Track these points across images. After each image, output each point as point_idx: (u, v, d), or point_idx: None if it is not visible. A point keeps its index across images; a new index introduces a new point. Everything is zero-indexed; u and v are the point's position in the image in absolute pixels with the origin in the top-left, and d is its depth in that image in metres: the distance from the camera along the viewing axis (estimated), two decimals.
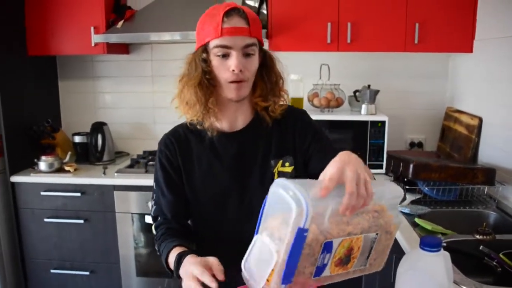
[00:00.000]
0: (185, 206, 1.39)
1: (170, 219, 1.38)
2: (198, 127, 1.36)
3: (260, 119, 1.37)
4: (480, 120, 2.51)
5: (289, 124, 1.39)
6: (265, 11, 2.78)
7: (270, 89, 1.35)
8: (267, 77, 1.35)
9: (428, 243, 0.91)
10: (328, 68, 2.93)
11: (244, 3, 2.85)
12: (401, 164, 2.28)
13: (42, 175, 2.83)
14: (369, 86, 2.85)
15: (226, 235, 1.37)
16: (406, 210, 2.05)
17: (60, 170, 2.88)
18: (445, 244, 1.66)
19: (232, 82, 1.25)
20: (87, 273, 2.87)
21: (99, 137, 3.10)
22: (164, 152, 1.39)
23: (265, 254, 0.88)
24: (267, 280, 0.87)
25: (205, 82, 1.27)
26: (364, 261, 0.98)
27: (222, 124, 1.37)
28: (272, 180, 1.27)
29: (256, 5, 2.81)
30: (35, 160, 2.87)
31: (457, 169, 2.21)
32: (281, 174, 1.33)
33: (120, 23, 2.80)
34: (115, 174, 2.81)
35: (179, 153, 1.37)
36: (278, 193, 0.86)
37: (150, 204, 1.45)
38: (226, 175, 1.35)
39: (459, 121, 2.76)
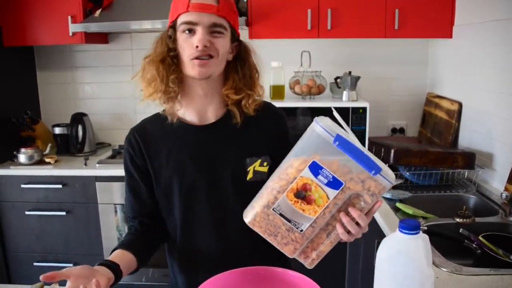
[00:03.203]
0: (147, 207, 1.34)
1: (131, 218, 1.37)
2: (161, 113, 1.32)
3: (231, 116, 1.30)
4: (460, 105, 2.54)
5: (266, 122, 1.35)
6: None
7: (244, 82, 1.29)
8: (240, 68, 1.30)
9: (407, 226, 0.91)
10: (309, 55, 2.92)
11: None
12: (383, 150, 2.29)
13: (22, 167, 2.79)
14: (350, 72, 2.86)
15: (196, 236, 1.33)
16: (388, 195, 2.07)
17: (40, 162, 2.84)
18: (426, 228, 1.68)
19: (195, 59, 1.20)
20: (71, 265, 2.84)
21: (80, 128, 3.07)
22: (127, 151, 1.33)
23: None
24: None
25: (168, 60, 1.23)
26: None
27: (192, 116, 1.31)
28: (245, 178, 1.27)
29: None
30: (15, 152, 2.82)
31: (437, 154, 2.24)
32: (257, 173, 1.28)
33: (98, 11, 2.75)
34: (97, 165, 2.78)
35: (145, 151, 1.30)
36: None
37: None
38: (195, 171, 1.28)
39: (440, 106, 2.78)
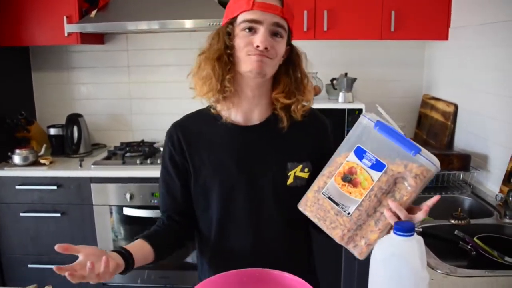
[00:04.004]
0: (178, 204, 1.34)
1: (162, 212, 1.37)
2: (212, 110, 1.30)
3: (277, 118, 1.28)
4: (456, 107, 2.54)
5: (311, 129, 1.33)
6: None
7: (296, 86, 1.27)
8: (292, 72, 1.28)
9: (401, 228, 0.91)
10: (305, 56, 2.92)
11: None
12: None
13: (16, 168, 2.77)
14: (346, 74, 2.86)
15: (231, 236, 1.31)
16: None
17: (35, 163, 2.82)
18: (421, 229, 1.68)
19: (253, 54, 1.17)
20: None
21: (75, 129, 3.05)
22: (167, 147, 1.32)
23: None
24: None
25: (225, 57, 1.20)
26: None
27: (237, 116, 1.29)
28: (285, 183, 1.26)
29: None
30: (9, 153, 2.81)
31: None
32: (297, 179, 1.27)
33: (94, 12, 2.74)
34: (92, 166, 2.77)
35: (186, 147, 1.29)
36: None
37: None
38: (236, 171, 1.27)
39: (435, 108, 2.79)
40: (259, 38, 1.16)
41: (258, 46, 1.16)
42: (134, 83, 3.30)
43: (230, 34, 1.21)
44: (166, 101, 3.29)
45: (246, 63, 1.19)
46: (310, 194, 1.12)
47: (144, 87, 3.30)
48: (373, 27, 2.68)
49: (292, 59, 1.29)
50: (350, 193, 1.06)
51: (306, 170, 1.28)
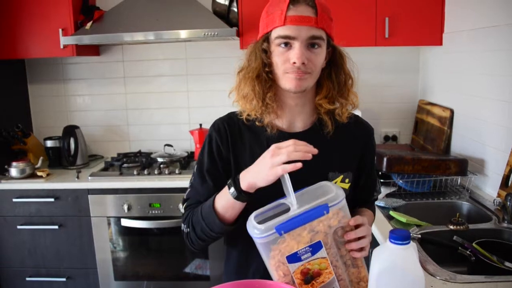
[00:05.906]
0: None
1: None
2: (257, 123, 1.26)
3: (322, 125, 1.27)
4: (452, 112, 2.54)
5: (355, 138, 1.32)
6: (235, 9, 2.76)
7: (338, 90, 1.24)
8: (335, 76, 1.24)
9: (398, 236, 0.89)
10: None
11: (214, 0, 2.83)
12: (375, 158, 2.29)
13: (13, 181, 2.76)
14: None
15: None
16: (381, 204, 2.07)
17: (32, 176, 2.81)
18: (419, 236, 1.68)
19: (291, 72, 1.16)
20: (64, 279, 2.81)
21: (72, 140, 3.05)
22: (214, 138, 1.29)
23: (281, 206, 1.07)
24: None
25: (264, 75, 1.19)
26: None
27: (280, 122, 1.28)
28: None
29: (226, 3, 2.79)
30: (6, 166, 2.80)
31: (430, 161, 2.24)
32: None
33: (89, 24, 2.75)
34: (89, 177, 2.76)
35: (231, 143, 1.27)
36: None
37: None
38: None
39: (432, 113, 2.79)
40: (295, 54, 1.13)
41: (294, 63, 1.14)
42: (130, 94, 3.30)
43: (267, 52, 1.20)
44: (162, 111, 3.29)
45: (285, 81, 1.18)
46: None
47: (140, 97, 3.30)
48: (368, 34, 2.69)
49: (335, 60, 1.25)
50: (323, 281, 1.04)
51: (346, 181, 1.26)
